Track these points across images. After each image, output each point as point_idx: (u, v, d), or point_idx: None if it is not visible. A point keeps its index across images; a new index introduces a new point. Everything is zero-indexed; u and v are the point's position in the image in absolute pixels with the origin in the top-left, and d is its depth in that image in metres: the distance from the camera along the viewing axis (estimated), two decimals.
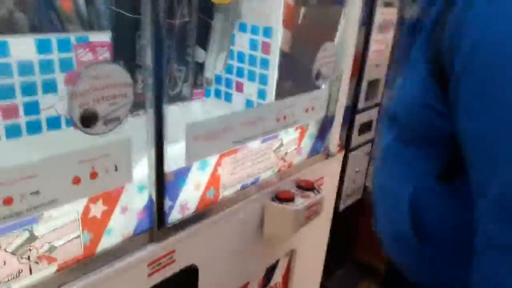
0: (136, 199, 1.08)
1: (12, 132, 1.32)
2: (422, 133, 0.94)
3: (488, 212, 0.76)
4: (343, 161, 2.06)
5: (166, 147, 1.06)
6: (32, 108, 1.34)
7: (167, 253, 1.16)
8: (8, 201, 0.81)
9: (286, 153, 1.49)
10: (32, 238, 0.89)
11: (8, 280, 0.88)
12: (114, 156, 0.96)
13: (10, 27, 1.25)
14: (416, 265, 1.02)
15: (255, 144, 1.36)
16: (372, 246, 2.51)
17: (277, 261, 1.73)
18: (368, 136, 2.16)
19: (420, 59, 0.90)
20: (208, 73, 1.40)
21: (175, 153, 1.13)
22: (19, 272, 0.89)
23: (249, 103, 1.84)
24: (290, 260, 1.80)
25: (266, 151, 1.40)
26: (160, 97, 1.02)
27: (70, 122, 1.24)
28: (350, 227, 2.39)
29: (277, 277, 1.78)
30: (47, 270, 0.93)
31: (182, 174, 1.16)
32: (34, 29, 1.30)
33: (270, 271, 1.71)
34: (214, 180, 1.25)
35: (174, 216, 1.17)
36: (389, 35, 1.94)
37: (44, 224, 0.90)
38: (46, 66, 1.34)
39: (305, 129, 1.57)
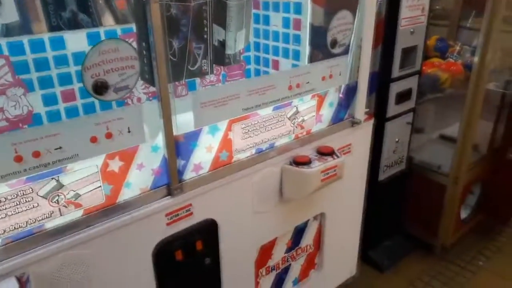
0: (151, 158, 1.24)
1: (72, 113, 1.48)
2: None
3: None
4: (380, 131, 2.07)
5: (175, 114, 1.21)
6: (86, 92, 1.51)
7: (184, 206, 1.33)
8: (36, 154, 1.02)
9: (303, 121, 1.56)
10: (59, 186, 1.09)
11: (43, 219, 1.09)
12: (127, 120, 1.13)
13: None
14: None
15: (267, 111, 1.45)
16: (421, 219, 2.49)
17: (306, 224, 1.83)
18: (408, 105, 2.12)
19: None
20: (229, 51, 1.51)
21: (190, 119, 1.28)
22: (51, 213, 1.10)
23: None
24: (320, 223, 1.88)
25: (279, 118, 1.49)
26: (164, 74, 1.16)
27: (120, 103, 1.40)
28: (395, 198, 2.38)
29: (307, 239, 1.88)
30: (75, 214, 1.14)
31: (192, 137, 1.30)
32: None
33: (299, 233, 1.81)
34: (225, 144, 1.38)
35: (189, 174, 1.32)
36: (424, 0, 1.89)
37: (69, 175, 1.10)
38: None
39: (323, 97, 1.62)
